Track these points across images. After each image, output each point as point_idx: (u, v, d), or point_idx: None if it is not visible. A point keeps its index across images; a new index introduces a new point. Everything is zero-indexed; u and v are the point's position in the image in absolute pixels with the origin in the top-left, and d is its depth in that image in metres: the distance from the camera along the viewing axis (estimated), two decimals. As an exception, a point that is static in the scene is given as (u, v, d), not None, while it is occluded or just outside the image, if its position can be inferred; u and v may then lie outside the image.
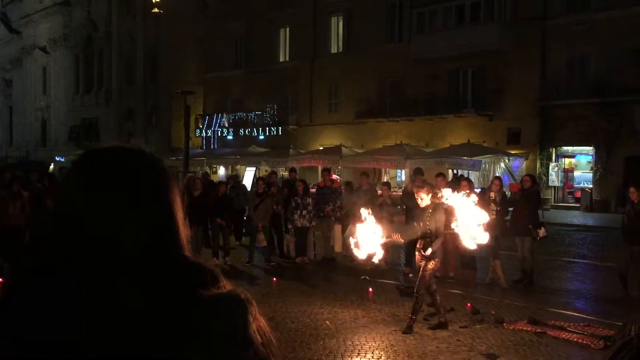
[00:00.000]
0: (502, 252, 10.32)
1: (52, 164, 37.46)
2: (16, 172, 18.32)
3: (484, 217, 6.88)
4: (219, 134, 37.46)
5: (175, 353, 0.95)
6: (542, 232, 9.87)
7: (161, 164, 1.13)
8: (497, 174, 19.94)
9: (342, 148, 27.82)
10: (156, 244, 1.03)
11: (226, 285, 1.06)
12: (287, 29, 35.35)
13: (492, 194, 10.14)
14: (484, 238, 6.84)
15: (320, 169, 28.77)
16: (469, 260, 9.95)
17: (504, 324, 7.47)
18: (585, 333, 6.99)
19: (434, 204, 7.46)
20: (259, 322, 1.06)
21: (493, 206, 9.92)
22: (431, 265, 7.28)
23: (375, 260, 7.50)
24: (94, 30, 48.92)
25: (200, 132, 38.23)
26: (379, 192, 12.32)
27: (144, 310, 0.96)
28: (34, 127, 56.62)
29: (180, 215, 1.09)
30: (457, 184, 10.42)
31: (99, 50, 48.92)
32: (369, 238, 7.03)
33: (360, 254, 7.17)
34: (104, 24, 47.79)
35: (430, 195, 7.51)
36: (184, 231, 1.09)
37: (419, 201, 7.63)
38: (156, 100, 42.52)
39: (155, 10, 21.73)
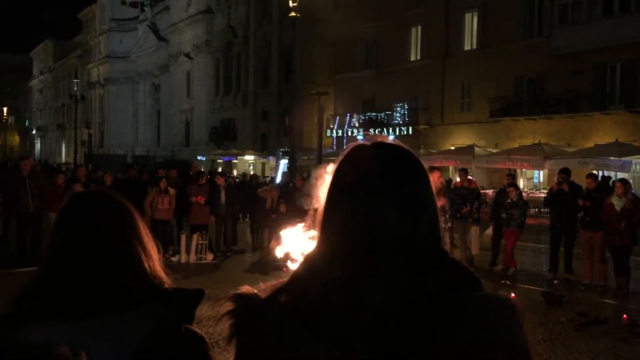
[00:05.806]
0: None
1: (194, 162, 40.01)
2: (164, 171, 19.86)
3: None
4: (350, 134, 37.91)
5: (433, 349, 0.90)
6: None
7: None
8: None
9: (475, 148, 27.02)
10: (430, 238, 1.01)
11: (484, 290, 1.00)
12: (419, 28, 34.94)
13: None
14: None
15: (451, 169, 28.24)
16: (622, 266, 9.25)
17: (668, 339, 6.84)
18: None
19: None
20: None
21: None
22: None
23: None
24: (233, 35, 51.65)
25: (331, 132, 38.93)
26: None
27: (423, 306, 0.93)
28: (179, 128, 60.83)
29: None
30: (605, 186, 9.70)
31: (237, 54, 51.59)
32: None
33: None
34: (242, 29, 50.29)
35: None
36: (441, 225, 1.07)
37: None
38: (289, 101, 43.95)
39: (293, 14, 22.38)
